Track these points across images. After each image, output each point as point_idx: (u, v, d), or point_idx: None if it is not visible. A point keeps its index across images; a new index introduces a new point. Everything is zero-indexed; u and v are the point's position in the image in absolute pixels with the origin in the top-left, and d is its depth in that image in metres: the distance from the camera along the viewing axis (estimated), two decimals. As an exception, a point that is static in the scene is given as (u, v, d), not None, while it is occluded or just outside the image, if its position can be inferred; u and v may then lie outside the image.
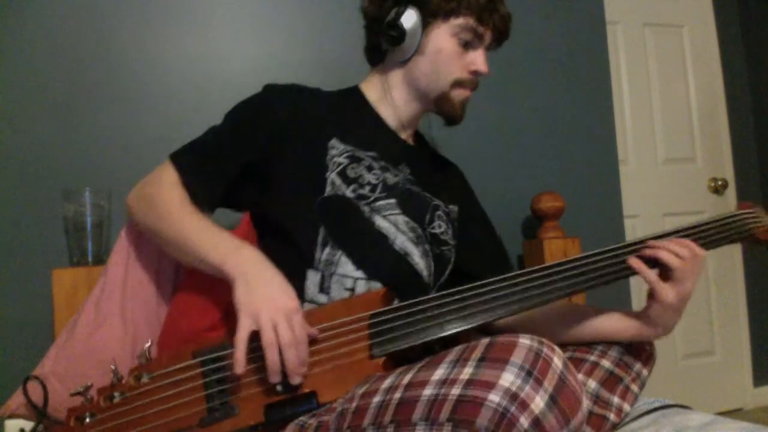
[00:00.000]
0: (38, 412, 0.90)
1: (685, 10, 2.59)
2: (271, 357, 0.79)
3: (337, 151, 1.00)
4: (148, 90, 1.54)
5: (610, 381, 0.95)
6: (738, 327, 2.60)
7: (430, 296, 0.87)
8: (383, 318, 0.85)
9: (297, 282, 0.89)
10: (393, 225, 0.98)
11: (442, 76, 1.03)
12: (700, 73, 2.60)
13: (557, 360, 0.64)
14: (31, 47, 1.46)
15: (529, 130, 1.92)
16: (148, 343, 0.89)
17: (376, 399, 0.70)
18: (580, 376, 0.94)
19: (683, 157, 2.55)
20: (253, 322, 0.80)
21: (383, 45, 1.04)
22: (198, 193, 0.97)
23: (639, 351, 0.99)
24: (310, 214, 0.95)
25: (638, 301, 2.11)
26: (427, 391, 0.66)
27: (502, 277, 0.88)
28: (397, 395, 0.68)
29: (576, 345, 1.00)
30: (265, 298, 0.81)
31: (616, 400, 0.94)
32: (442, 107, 1.06)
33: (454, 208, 1.13)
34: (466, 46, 1.03)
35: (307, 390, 0.82)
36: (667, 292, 0.88)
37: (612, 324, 0.98)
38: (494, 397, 0.61)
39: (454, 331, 0.84)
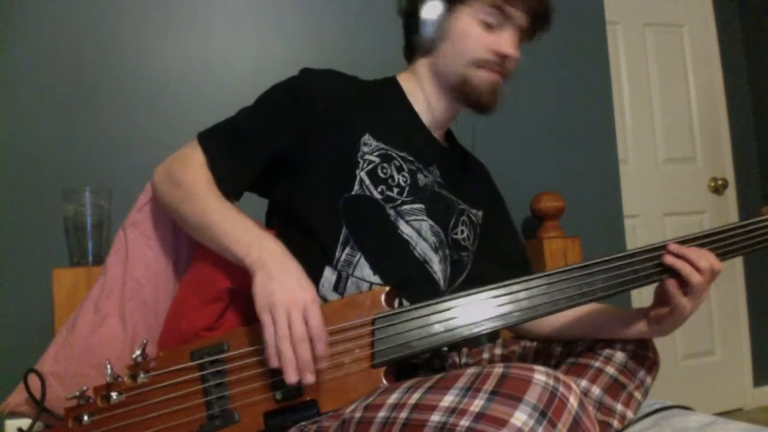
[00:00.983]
0: (37, 405, 0.90)
1: (685, 10, 2.59)
2: (286, 351, 0.74)
3: (369, 148, 0.96)
4: (148, 90, 1.54)
5: (614, 388, 0.94)
6: (738, 327, 2.60)
7: (438, 299, 0.84)
8: (388, 324, 0.82)
9: (312, 277, 0.85)
10: (416, 231, 0.96)
11: (461, 56, 0.97)
12: (700, 73, 2.60)
13: (573, 399, 0.60)
14: (31, 47, 1.46)
15: (529, 130, 1.92)
16: (144, 342, 0.88)
17: (381, 414, 0.68)
18: (584, 383, 0.93)
19: (683, 157, 2.55)
20: (270, 316, 0.77)
21: (411, 37, 1.02)
22: (225, 178, 0.92)
23: (643, 358, 0.98)
24: (335, 211, 0.92)
25: (638, 301, 2.11)
26: (435, 417, 0.62)
27: (519, 279, 0.85)
28: (404, 415, 0.65)
29: (580, 340, 1.00)
30: (281, 289, 0.77)
31: (619, 407, 0.93)
32: (467, 94, 0.99)
33: (479, 213, 1.11)
34: (493, 28, 0.97)
35: (308, 398, 0.80)
36: (685, 303, 0.88)
37: (617, 321, 0.97)
38: None
39: (460, 337, 0.82)
